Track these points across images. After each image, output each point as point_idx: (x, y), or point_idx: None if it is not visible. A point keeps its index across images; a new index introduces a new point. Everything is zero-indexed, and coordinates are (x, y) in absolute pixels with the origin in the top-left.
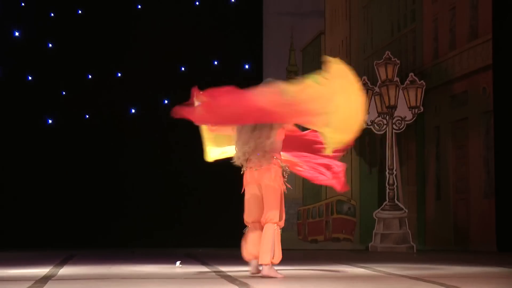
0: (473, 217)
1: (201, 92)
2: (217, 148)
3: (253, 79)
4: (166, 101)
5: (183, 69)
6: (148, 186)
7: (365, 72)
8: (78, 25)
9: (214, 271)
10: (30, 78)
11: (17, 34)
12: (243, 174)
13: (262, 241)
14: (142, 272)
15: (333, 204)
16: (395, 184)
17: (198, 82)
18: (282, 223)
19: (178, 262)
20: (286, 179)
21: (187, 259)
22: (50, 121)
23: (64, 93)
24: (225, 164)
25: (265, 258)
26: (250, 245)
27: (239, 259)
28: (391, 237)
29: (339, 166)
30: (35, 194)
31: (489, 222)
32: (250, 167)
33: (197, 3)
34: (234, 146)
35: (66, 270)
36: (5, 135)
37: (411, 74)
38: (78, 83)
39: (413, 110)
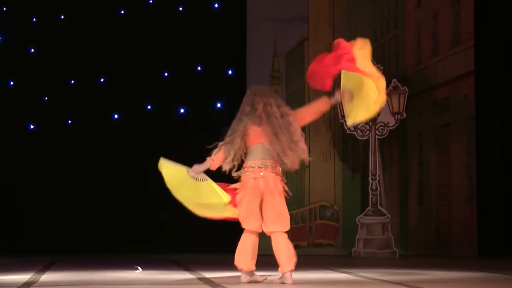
0: (455, 222)
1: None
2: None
3: (236, 85)
4: (149, 107)
5: (166, 74)
6: (131, 191)
7: None
8: (61, 30)
9: (198, 277)
10: (12, 83)
11: None
12: (239, 180)
13: (283, 250)
14: (125, 278)
15: (316, 209)
16: (378, 189)
17: (181, 88)
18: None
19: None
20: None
21: (171, 265)
22: (32, 127)
23: (46, 98)
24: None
25: (289, 266)
26: (251, 256)
27: (222, 265)
28: (374, 243)
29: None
30: (16, 199)
31: (470, 227)
32: (255, 175)
33: (180, 8)
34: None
35: (48, 277)
36: None
37: (394, 80)
38: (61, 88)
39: (396, 116)
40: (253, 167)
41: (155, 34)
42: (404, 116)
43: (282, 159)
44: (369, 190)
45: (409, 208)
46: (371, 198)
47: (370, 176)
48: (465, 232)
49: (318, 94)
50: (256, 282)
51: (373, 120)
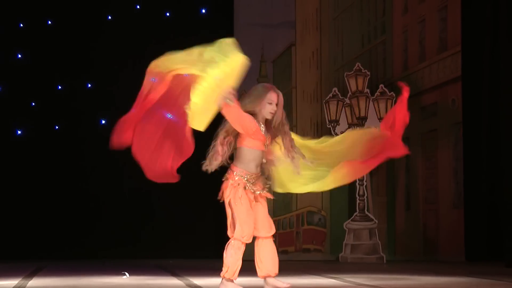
0: (442, 227)
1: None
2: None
3: None
4: None
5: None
6: (118, 196)
7: (336, 83)
8: (48, 36)
9: (186, 283)
10: None
11: None
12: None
13: (274, 254)
14: (113, 283)
15: (304, 215)
16: (365, 195)
17: None
18: None
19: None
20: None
21: (158, 271)
22: (19, 132)
23: (33, 104)
24: (196, 174)
25: (276, 269)
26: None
27: (210, 270)
28: (361, 248)
29: None
30: (3, 205)
31: (457, 232)
32: (249, 181)
33: (168, 14)
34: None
35: (35, 282)
36: None
37: (381, 85)
38: (48, 94)
39: None
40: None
41: (143, 39)
42: None
43: None
44: (356, 195)
45: (396, 213)
46: (358, 203)
47: (357, 182)
48: (452, 237)
49: (308, 97)
50: None
51: (361, 126)
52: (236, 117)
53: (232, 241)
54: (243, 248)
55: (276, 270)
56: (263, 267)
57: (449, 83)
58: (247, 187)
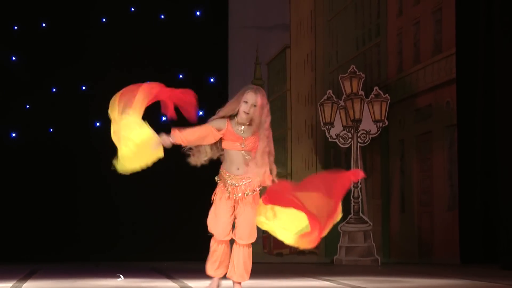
0: (437, 230)
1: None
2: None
3: (218, 93)
4: None
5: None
6: (112, 198)
7: (330, 85)
8: (42, 38)
9: (180, 286)
10: None
11: None
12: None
13: (246, 262)
14: (108, 286)
15: None
16: (360, 197)
17: None
18: None
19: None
20: None
21: (152, 273)
22: (13, 135)
23: (28, 106)
24: (189, 174)
25: (245, 277)
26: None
27: (204, 273)
28: (356, 250)
29: None
30: None
31: (452, 234)
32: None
33: (162, 16)
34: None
35: (29, 285)
36: None
37: (376, 88)
38: (43, 97)
39: (377, 123)
40: None
41: (137, 41)
42: (386, 123)
43: None
44: (351, 198)
45: (391, 215)
46: (353, 206)
47: (352, 184)
48: (447, 239)
49: (303, 100)
50: None
51: (355, 128)
52: (193, 139)
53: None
54: (216, 245)
55: (246, 278)
56: (232, 271)
57: (444, 85)
58: (228, 189)
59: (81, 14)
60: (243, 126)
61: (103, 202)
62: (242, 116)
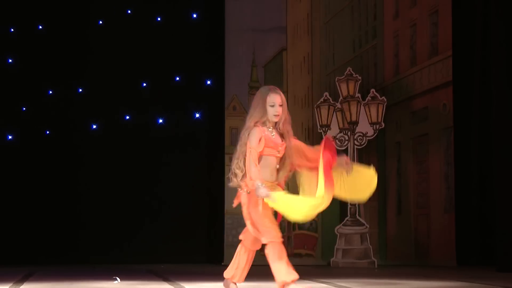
0: (434, 232)
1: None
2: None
3: (215, 95)
4: (127, 117)
5: (144, 85)
6: (109, 201)
7: (327, 88)
8: (38, 41)
9: None
10: None
11: None
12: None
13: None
14: None
15: None
16: None
17: (159, 98)
18: None
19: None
20: None
21: (149, 275)
22: (10, 137)
23: (24, 109)
24: (187, 178)
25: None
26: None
27: (201, 275)
28: (352, 253)
29: None
30: None
31: (449, 236)
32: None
33: (159, 19)
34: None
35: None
36: None
37: (372, 90)
38: (39, 99)
39: (374, 126)
40: None
41: (133, 44)
42: (383, 126)
43: None
44: None
45: (387, 218)
46: (350, 208)
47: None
48: (444, 241)
49: (300, 102)
50: None
51: (352, 130)
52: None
53: (270, 245)
54: (280, 246)
55: (241, 280)
56: (230, 268)
57: (440, 87)
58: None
59: (77, 16)
60: (274, 132)
61: (100, 204)
62: (273, 120)
